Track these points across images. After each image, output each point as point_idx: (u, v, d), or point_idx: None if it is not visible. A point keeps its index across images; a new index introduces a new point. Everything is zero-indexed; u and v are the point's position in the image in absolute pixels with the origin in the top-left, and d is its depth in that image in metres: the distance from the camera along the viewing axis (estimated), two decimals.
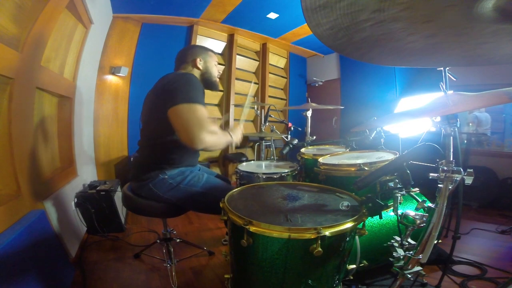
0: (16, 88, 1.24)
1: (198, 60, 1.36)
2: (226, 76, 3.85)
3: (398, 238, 0.96)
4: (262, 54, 4.28)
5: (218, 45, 3.80)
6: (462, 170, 0.81)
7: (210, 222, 2.34)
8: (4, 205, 1.10)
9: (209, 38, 3.65)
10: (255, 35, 3.91)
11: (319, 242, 0.70)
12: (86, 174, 2.38)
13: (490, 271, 1.50)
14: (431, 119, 0.87)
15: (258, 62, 4.28)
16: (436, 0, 0.55)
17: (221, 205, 0.90)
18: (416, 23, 0.63)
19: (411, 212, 0.91)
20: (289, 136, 2.08)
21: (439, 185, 0.84)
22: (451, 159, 0.83)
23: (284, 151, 1.78)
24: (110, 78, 2.96)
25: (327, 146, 2.09)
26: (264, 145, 2.58)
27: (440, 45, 0.74)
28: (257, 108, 2.64)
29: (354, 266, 1.07)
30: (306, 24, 0.63)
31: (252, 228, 0.74)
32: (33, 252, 1.14)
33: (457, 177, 0.81)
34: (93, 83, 2.72)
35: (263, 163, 1.74)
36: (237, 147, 3.69)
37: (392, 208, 1.05)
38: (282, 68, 4.68)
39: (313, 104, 2.09)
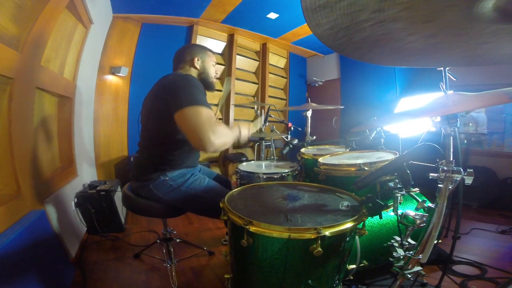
0: (16, 88, 1.24)
1: (196, 59, 1.35)
2: (226, 76, 3.85)
3: (398, 238, 0.96)
4: (262, 54, 4.28)
5: (218, 45, 3.80)
6: (462, 170, 0.81)
7: (210, 222, 2.34)
8: (4, 205, 1.10)
9: (209, 38, 3.65)
10: (255, 35, 3.91)
11: (319, 242, 0.70)
12: (86, 174, 2.38)
13: (490, 271, 1.50)
14: (431, 119, 0.87)
15: (258, 62, 4.28)
16: (436, 0, 0.55)
17: (221, 205, 0.90)
18: (416, 23, 0.63)
19: (411, 212, 0.91)
20: (289, 136, 2.08)
21: (439, 185, 0.84)
22: (451, 159, 0.83)
23: (284, 151, 1.78)
24: (110, 78, 2.96)
25: (327, 146, 2.09)
26: (264, 145, 2.57)
27: (440, 45, 0.74)
28: (257, 108, 2.64)
29: (354, 266, 1.07)
30: (306, 24, 0.63)
31: (252, 228, 0.74)
32: (33, 252, 1.14)
33: (457, 177, 0.81)
34: (93, 83, 2.72)
35: (263, 163, 1.74)
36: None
37: (392, 208, 1.05)
38: (282, 68, 4.68)
39: (313, 104, 2.09)
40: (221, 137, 1.04)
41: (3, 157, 1.19)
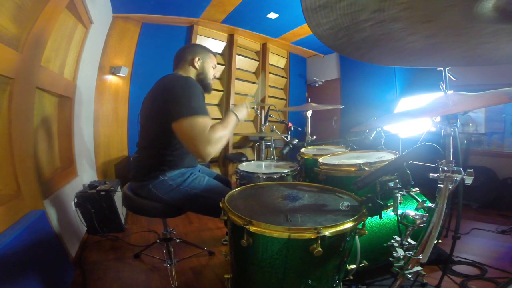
0: (16, 88, 1.24)
1: (196, 59, 1.35)
2: (226, 76, 3.85)
3: (398, 238, 0.96)
4: (262, 54, 4.28)
5: (218, 45, 3.80)
6: (462, 170, 0.81)
7: (210, 222, 2.34)
8: (4, 205, 1.10)
9: (209, 38, 3.65)
10: (255, 35, 3.90)
11: (319, 242, 0.70)
12: (86, 174, 2.38)
13: (490, 271, 1.50)
14: (431, 119, 0.87)
15: (258, 62, 4.28)
16: (436, 0, 0.55)
17: (221, 205, 0.90)
18: (416, 23, 0.63)
19: (411, 212, 0.91)
20: (289, 136, 2.08)
21: (439, 185, 0.84)
22: (451, 159, 0.83)
23: (284, 151, 1.78)
24: (110, 78, 2.96)
25: (327, 146, 2.09)
26: (264, 145, 2.57)
27: (440, 45, 0.74)
28: (257, 108, 2.64)
29: (354, 266, 1.07)
30: (306, 24, 0.63)
31: (252, 228, 0.74)
32: (33, 252, 1.14)
33: (457, 177, 0.81)
34: (93, 83, 2.72)
35: (263, 163, 1.74)
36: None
37: (392, 208, 1.05)
38: (282, 68, 4.68)
39: (313, 105, 2.09)
40: (217, 144, 1.11)
41: (3, 157, 1.19)
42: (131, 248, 1.86)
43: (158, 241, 1.74)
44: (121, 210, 2.09)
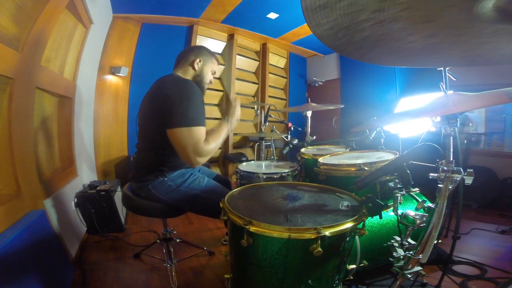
0: (16, 88, 1.24)
1: (197, 60, 1.34)
2: (226, 76, 3.85)
3: (398, 238, 0.96)
4: (262, 54, 4.28)
5: (218, 45, 3.80)
6: (462, 170, 0.81)
7: (210, 222, 2.34)
8: (4, 205, 1.10)
9: (209, 38, 3.65)
10: (255, 35, 3.90)
11: (319, 242, 0.71)
12: (86, 174, 2.38)
13: (490, 271, 1.50)
14: (431, 119, 0.87)
15: (258, 62, 4.28)
16: (436, 0, 0.55)
17: (221, 205, 0.91)
18: (416, 23, 0.63)
19: (411, 212, 0.91)
20: (289, 136, 2.08)
21: (439, 185, 0.84)
22: (451, 159, 0.83)
23: (284, 151, 1.78)
24: (110, 78, 2.96)
25: (327, 146, 2.09)
26: (264, 145, 2.57)
27: (440, 45, 0.74)
28: (257, 108, 2.64)
29: (354, 266, 1.07)
30: (306, 24, 0.63)
31: (252, 228, 0.74)
32: (33, 252, 1.14)
33: (457, 177, 0.81)
34: (93, 83, 2.72)
35: (263, 163, 1.74)
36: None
37: (392, 208, 1.05)
38: (282, 68, 4.68)
39: (313, 105, 2.09)
40: (208, 155, 1.16)
41: (3, 157, 1.19)
42: (131, 248, 1.86)
43: (158, 241, 1.74)
44: (121, 210, 2.09)
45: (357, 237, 0.97)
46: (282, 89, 4.72)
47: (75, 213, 1.88)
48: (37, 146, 1.60)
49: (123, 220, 2.15)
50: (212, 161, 3.87)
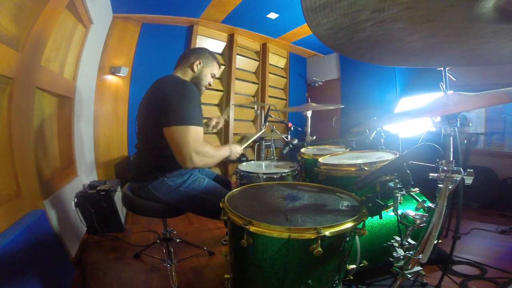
0: (16, 88, 1.24)
1: (197, 62, 1.34)
2: (226, 76, 3.85)
3: (398, 238, 0.96)
4: (262, 54, 4.27)
5: (218, 45, 3.80)
6: (462, 170, 0.81)
7: (210, 222, 2.34)
8: (4, 205, 1.10)
9: (209, 38, 3.65)
10: (255, 35, 3.90)
11: (319, 242, 0.70)
12: (86, 174, 2.38)
13: (490, 271, 1.50)
14: (431, 119, 0.87)
15: (258, 62, 4.28)
16: (436, 0, 0.55)
17: (221, 205, 0.91)
18: (416, 23, 0.63)
19: (411, 212, 0.91)
20: (289, 136, 2.08)
21: (439, 185, 0.84)
22: (451, 159, 0.83)
23: (284, 151, 1.77)
24: (110, 78, 2.96)
25: (327, 146, 2.09)
26: (264, 145, 2.57)
27: (440, 45, 0.74)
28: (257, 108, 2.64)
29: (354, 266, 1.07)
30: (306, 24, 0.63)
31: (252, 228, 0.74)
32: (33, 252, 1.14)
33: (457, 177, 0.81)
34: (93, 83, 2.72)
35: (263, 163, 1.74)
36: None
37: (392, 208, 1.05)
38: (282, 68, 4.68)
39: (313, 105, 2.09)
40: (203, 159, 1.14)
41: (3, 157, 1.19)
42: (131, 248, 1.86)
43: (158, 241, 1.74)
44: (121, 210, 2.09)
45: (357, 237, 0.97)
46: (282, 89, 4.72)
47: (75, 213, 1.88)
48: (37, 146, 1.60)
49: (123, 220, 2.15)
50: None
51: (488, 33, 0.65)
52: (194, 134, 1.10)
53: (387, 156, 1.35)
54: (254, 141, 3.80)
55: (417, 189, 1.17)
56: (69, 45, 2.00)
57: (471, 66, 1.10)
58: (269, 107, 2.23)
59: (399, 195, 0.96)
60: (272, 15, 3.24)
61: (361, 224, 0.82)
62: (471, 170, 0.81)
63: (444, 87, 1.04)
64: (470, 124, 2.99)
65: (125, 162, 3.07)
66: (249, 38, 4.03)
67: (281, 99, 4.68)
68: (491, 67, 2.62)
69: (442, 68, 1.06)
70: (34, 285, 1.08)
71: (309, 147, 2.01)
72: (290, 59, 4.70)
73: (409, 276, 0.85)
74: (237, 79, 3.95)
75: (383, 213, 0.98)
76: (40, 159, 1.63)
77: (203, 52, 1.39)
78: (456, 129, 0.84)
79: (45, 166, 1.70)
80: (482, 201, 2.64)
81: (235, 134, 3.97)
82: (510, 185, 2.61)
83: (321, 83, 4.71)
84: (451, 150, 0.83)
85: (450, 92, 1.01)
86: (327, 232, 0.71)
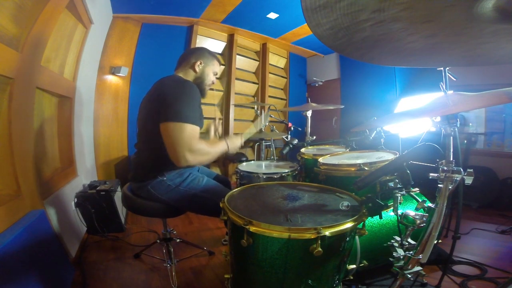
0: (16, 88, 1.24)
1: (198, 63, 1.35)
2: (226, 76, 3.85)
3: (398, 238, 0.96)
4: (262, 54, 4.27)
5: (218, 45, 3.80)
6: (462, 170, 0.81)
7: (210, 222, 2.34)
8: (4, 205, 1.10)
9: (209, 38, 3.65)
10: (255, 35, 3.90)
11: (319, 242, 0.70)
12: (86, 174, 2.38)
13: (490, 271, 1.50)
14: (431, 119, 0.87)
15: (258, 62, 4.28)
16: (436, 0, 0.55)
17: (221, 205, 0.91)
18: (416, 23, 0.63)
19: (411, 212, 0.91)
20: (289, 136, 2.08)
21: (439, 185, 0.84)
22: (451, 159, 0.83)
23: (284, 151, 1.78)
24: (110, 78, 2.96)
25: (327, 146, 2.09)
26: (264, 145, 2.57)
27: (440, 45, 0.74)
28: (257, 108, 2.64)
29: (354, 266, 1.07)
30: (306, 24, 0.63)
31: (252, 228, 0.74)
32: (33, 252, 1.14)
33: (457, 177, 0.81)
34: (93, 83, 2.72)
35: (263, 163, 1.74)
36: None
37: (392, 208, 1.05)
38: (282, 68, 4.68)
39: (313, 104, 2.09)
40: (198, 156, 1.11)
41: (3, 157, 1.19)
42: (131, 248, 1.86)
43: (158, 241, 1.74)
44: (121, 210, 2.09)
45: (357, 237, 0.97)
46: (282, 89, 4.72)
47: (75, 213, 1.88)
48: (37, 146, 1.59)
49: (123, 220, 2.15)
50: (212, 161, 3.87)
51: (488, 33, 0.65)
52: (189, 132, 1.09)
53: (387, 156, 1.35)
54: (254, 141, 3.82)
55: (417, 189, 1.17)
56: (69, 45, 2.00)
57: (471, 66, 1.10)
58: (269, 107, 2.23)
59: (399, 195, 0.96)
60: (272, 15, 3.24)
61: (361, 224, 0.82)
62: (471, 170, 0.81)
63: (444, 87, 1.04)
64: (470, 124, 2.99)
65: (125, 162, 3.07)
66: (249, 38, 4.03)
67: (281, 99, 4.68)
68: (491, 67, 2.62)
69: (442, 68, 1.06)
70: (34, 285, 1.08)
71: (309, 147, 2.01)
72: (290, 59, 4.70)
73: (409, 276, 0.85)
74: (237, 79, 3.95)
75: (383, 213, 0.98)
76: (40, 159, 1.63)
77: (203, 52, 1.39)
78: (456, 129, 0.84)
79: (45, 166, 1.70)
80: (482, 201, 2.64)
81: (235, 134, 3.97)
82: (510, 185, 2.61)
83: (321, 83, 4.71)
84: (451, 150, 0.83)
85: (450, 92, 1.01)
86: (327, 232, 0.71)
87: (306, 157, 1.68)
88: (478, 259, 1.61)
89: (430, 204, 0.87)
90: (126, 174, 1.35)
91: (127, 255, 1.77)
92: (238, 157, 3.54)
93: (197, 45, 3.42)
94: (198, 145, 1.11)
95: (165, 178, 1.24)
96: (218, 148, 1.24)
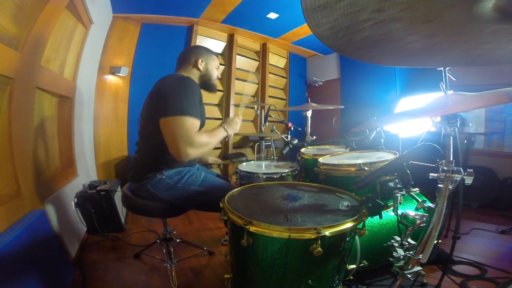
0: (16, 88, 1.24)
1: (200, 61, 1.36)
2: (226, 76, 3.85)
3: (398, 238, 0.96)
4: (262, 54, 4.27)
5: (218, 45, 3.80)
6: (462, 170, 0.81)
7: (210, 222, 2.34)
8: (4, 205, 1.10)
9: (209, 38, 3.65)
10: (255, 35, 3.90)
11: (319, 242, 0.70)
12: (86, 174, 2.38)
13: (490, 271, 1.50)
14: (431, 119, 0.87)
15: (258, 62, 4.28)
16: (436, 0, 0.55)
17: (221, 205, 0.91)
18: (416, 23, 0.63)
19: (411, 212, 0.91)
20: (289, 136, 2.08)
21: (439, 185, 0.84)
22: (451, 159, 0.83)
23: (284, 151, 1.78)
24: (110, 78, 2.95)
25: (327, 146, 2.09)
26: (264, 145, 2.57)
27: (440, 45, 0.74)
28: (257, 108, 2.64)
29: (354, 266, 1.07)
30: (306, 24, 0.63)
31: (252, 228, 0.74)
32: (33, 252, 1.14)
33: (457, 177, 0.81)
34: (93, 83, 2.72)
35: (263, 163, 1.74)
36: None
37: (392, 208, 1.05)
38: (282, 68, 4.68)
39: (313, 104, 2.09)
40: (199, 149, 1.09)
41: (3, 157, 1.19)
42: (131, 248, 1.86)
43: (158, 241, 1.74)
44: (121, 210, 2.09)
45: (357, 237, 0.97)
46: (282, 89, 4.72)
47: (75, 213, 1.88)
48: (37, 146, 1.59)
49: (123, 220, 2.15)
50: None
51: (488, 33, 0.65)
52: (190, 126, 1.08)
53: (387, 156, 1.35)
54: (254, 141, 3.81)
55: (417, 189, 1.17)
56: (69, 45, 2.00)
57: (471, 66, 1.10)
58: (269, 107, 2.23)
59: (399, 195, 0.96)
60: (272, 15, 3.24)
61: (361, 224, 0.82)
62: (471, 170, 0.81)
63: (444, 87, 1.04)
64: (470, 124, 2.99)
65: (125, 162, 3.07)
66: (249, 38, 4.03)
67: (281, 99, 4.68)
68: (491, 67, 2.62)
69: (442, 68, 1.06)
70: (34, 285, 1.08)
71: (309, 147, 2.01)
72: (290, 59, 4.70)
73: (409, 276, 0.85)
74: (237, 79, 3.95)
75: (383, 213, 0.98)
76: (40, 159, 1.63)
77: (201, 50, 1.40)
78: (456, 129, 0.84)
79: (45, 166, 1.70)
80: (482, 201, 2.64)
81: (235, 134, 3.96)
82: (510, 185, 2.61)
83: (321, 83, 4.71)
84: (451, 150, 0.83)
85: (450, 92, 1.01)
86: (327, 232, 0.71)
87: (306, 157, 1.68)
88: (478, 259, 1.61)
89: (430, 204, 0.87)
90: (126, 174, 1.35)
91: (127, 255, 1.77)
92: (238, 157, 3.54)
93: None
94: (199, 138, 1.09)
95: (164, 176, 1.24)
96: (217, 136, 1.23)
